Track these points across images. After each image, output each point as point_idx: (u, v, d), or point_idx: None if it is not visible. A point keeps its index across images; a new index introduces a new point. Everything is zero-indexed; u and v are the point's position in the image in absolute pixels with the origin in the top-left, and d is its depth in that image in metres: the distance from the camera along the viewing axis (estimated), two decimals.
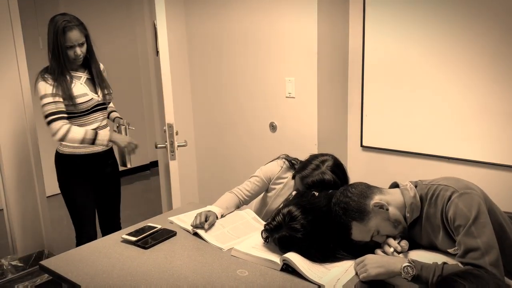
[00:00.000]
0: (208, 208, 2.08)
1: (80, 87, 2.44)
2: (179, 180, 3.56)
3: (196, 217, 2.01)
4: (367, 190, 1.66)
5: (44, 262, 1.78)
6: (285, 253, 1.68)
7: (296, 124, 3.02)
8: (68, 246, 2.24)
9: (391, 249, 1.64)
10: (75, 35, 2.32)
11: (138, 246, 1.88)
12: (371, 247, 1.69)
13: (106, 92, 2.55)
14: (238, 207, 2.21)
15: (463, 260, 1.48)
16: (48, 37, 2.35)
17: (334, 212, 1.66)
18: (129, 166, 2.60)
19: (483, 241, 1.44)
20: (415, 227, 1.67)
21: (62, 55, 2.33)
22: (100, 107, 2.53)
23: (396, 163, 2.99)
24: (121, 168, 2.72)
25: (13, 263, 3.00)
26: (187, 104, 3.60)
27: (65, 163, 2.53)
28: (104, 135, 2.46)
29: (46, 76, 2.37)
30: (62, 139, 2.37)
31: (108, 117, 2.72)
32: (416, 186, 1.68)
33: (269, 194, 2.24)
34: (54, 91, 2.35)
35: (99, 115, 2.54)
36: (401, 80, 2.85)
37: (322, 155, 2.03)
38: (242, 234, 1.96)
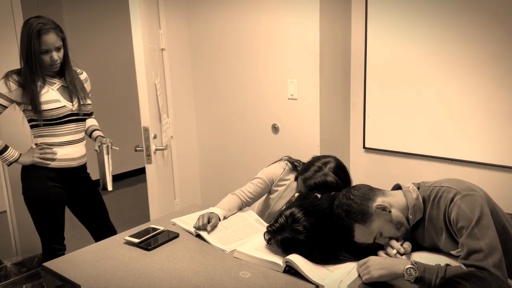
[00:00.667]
0: (211, 210, 2.08)
1: (52, 93, 2.26)
2: (180, 181, 3.58)
3: (198, 219, 2.01)
4: (369, 192, 1.66)
5: (46, 264, 1.78)
6: (287, 255, 1.68)
7: (299, 126, 3.02)
8: (70, 247, 2.24)
9: (394, 251, 1.64)
10: (51, 38, 2.15)
11: (141, 247, 1.88)
12: (373, 249, 1.69)
13: (82, 103, 2.34)
14: (240, 209, 2.21)
15: (466, 262, 1.47)
16: (21, 41, 2.18)
17: (337, 214, 1.66)
18: (109, 188, 2.39)
19: (486, 243, 1.44)
20: (417, 229, 1.67)
21: (35, 61, 2.15)
22: (74, 118, 2.33)
23: (398, 165, 2.98)
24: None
25: (16, 264, 3.01)
26: (189, 106, 3.60)
27: (32, 175, 2.33)
28: (11, 154, 2.27)
29: (13, 77, 2.21)
30: None
31: (90, 136, 2.55)
32: (418, 188, 1.68)
33: (271, 196, 2.24)
34: (5, 94, 2.19)
35: (72, 127, 2.33)
36: (404, 81, 2.84)
37: (325, 157, 2.03)
38: (244, 236, 1.96)
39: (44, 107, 2.22)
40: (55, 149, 2.31)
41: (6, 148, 2.26)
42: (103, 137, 2.48)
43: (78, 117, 2.35)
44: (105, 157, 2.34)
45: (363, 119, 3.08)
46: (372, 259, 1.56)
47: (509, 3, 2.39)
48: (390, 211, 1.61)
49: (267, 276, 1.63)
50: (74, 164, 2.39)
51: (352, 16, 3.02)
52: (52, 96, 2.25)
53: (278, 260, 1.68)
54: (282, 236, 1.72)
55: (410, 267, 1.46)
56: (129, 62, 3.06)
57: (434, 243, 1.65)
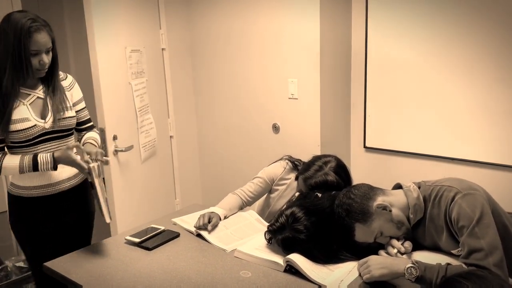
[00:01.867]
0: (211, 209, 2.09)
1: (22, 110, 1.84)
2: (181, 181, 3.58)
3: (199, 218, 2.01)
4: (370, 191, 1.66)
5: (47, 264, 1.78)
6: (288, 254, 1.68)
7: (299, 125, 3.02)
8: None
9: (395, 250, 1.64)
10: (43, 38, 1.78)
11: (142, 247, 1.89)
12: (374, 248, 1.69)
13: (60, 117, 1.92)
14: (241, 208, 2.21)
15: (466, 261, 1.47)
16: (3, 40, 1.76)
17: (337, 214, 1.66)
18: (107, 220, 1.86)
19: (487, 242, 1.44)
20: (418, 228, 1.67)
21: (26, 66, 1.77)
22: (51, 136, 1.92)
23: (399, 164, 2.98)
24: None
25: (17, 264, 3.01)
26: (190, 106, 3.60)
27: (19, 207, 1.98)
28: (45, 156, 1.84)
29: None
30: None
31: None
32: (419, 187, 1.68)
33: (272, 195, 2.24)
34: None
35: (50, 147, 1.92)
36: (404, 81, 2.84)
37: (325, 156, 2.03)
38: (245, 236, 1.96)
39: (11, 127, 1.82)
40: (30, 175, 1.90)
41: (36, 162, 1.84)
42: (90, 154, 1.88)
43: (58, 134, 1.93)
44: (95, 180, 1.82)
45: (363, 118, 3.07)
46: (372, 258, 1.56)
47: (508, 3, 2.39)
48: (390, 211, 1.61)
49: (267, 275, 1.63)
50: (58, 189, 1.98)
51: (352, 16, 3.01)
52: (21, 114, 1.84)
53: (279, 260, 1.68)
54: (283, 235, 1.72)
55: (411, 266, 1.46)
56: None
57: (435, 242, 1.65)
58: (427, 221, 1.63)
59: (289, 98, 3.03)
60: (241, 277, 1.63)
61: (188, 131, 3.61)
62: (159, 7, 3.25)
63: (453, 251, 1.58)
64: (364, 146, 3.12)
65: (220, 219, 2.05)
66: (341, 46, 3.01)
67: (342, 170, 1.98)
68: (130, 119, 2.88)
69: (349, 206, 1.63)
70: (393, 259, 1.57)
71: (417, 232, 1.68)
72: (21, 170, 1.82)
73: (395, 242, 1.66)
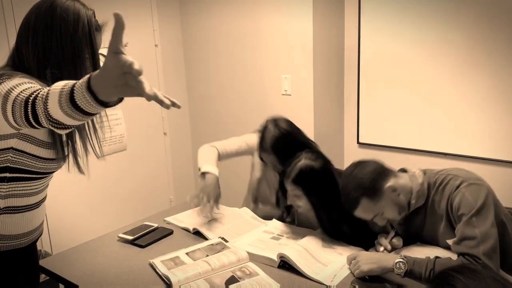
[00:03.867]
0: (205, 169, 1.99)
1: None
2: (175, 178, 3.57)
3: (202, 196, 1.95)
4: (383, 170, 1.63)
5: (41, 262, 1.77)
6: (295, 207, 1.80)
7: (293, 121, 3.01)
8: (64, 245, 2.23)
9: (381, 249, 1.65)
10: (100, 39, 1.38)
11: (135, 245, 1.88)
12: (367, 233, 1.72)
13: None
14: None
15: (457, 247, 1.48)
16: (62, 31, 1.26)
17: (345, 184, 1.64)
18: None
19: (481, 231, 1.44)
20: (418, 216, 1.66)
21: (95, 64, 1.33)
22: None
23: (392, 160, 2.95)
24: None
25: None
26: (183, 102, 3.59)
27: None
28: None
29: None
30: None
31: None
32: (424, 173, 1.67)
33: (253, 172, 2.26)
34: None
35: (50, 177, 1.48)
36: (397, 77, 2.85)
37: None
38: (242, 232, 1.96)
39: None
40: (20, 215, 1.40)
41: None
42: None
43: None
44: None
45: (357, 114, 3.08)
46: (361, 254, 1.57)
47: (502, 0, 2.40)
48: (399, 195, 1.60)
49: (263, 271, 1.63)
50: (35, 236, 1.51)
51: (345, 12, 3.01)
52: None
53: (273, 255, 1.68)
54: (300, 163, 1.76)
55: (400, 261, 1.46)
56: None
57: (432, 232, 1.64)
58: (428, 208, 1.62)
59: (283, 94, 3.02)
60: (236, 273, 1.62)
61: (181, 128, 3.60)
62: (151, 4, 3.23)
63: (449, 241, 1.58)
64: (358, 142, 3.13)
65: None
66: (334, 42, 3.01)
67: (318, 155, 1.87)
68: None
69: (361, 180, 1.59)
70: (382, 255, 1.58)
71: (415, 220, 1.67)
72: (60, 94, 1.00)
73: (382, 240, 1.66)
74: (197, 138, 3.64)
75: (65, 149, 1.37)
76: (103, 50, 1.25)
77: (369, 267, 1.50)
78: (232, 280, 1.55)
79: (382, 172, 1.61)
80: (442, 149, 2.76)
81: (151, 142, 3.38)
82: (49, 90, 0.99)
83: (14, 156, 1.26)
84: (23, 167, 1.30)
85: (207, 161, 2.06)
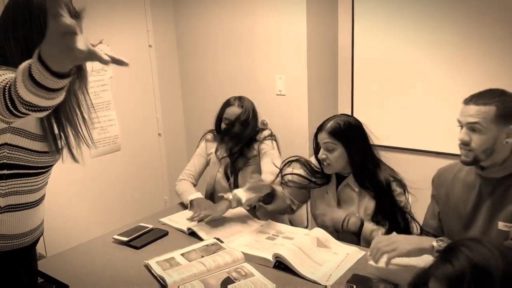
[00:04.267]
0: (196, 196, 2.23)
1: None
2: (170, 179, 3.56)
3: (197, 210, 2.09)
4: None
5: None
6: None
7: (287, 122, 3.02)
8: (59, 247, 2.22)
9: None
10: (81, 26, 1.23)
11: (130, 246, 1.87)
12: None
13: None
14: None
15: None
16: (36, 19, 1.24)
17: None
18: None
19: None
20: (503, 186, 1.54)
21: None
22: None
23: (386, 159, 2.99)
24: None
25: None
26: (177, 103, 3.58)
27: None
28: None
29: None
30: None
31: None
32: None
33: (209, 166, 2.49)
34: None
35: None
36: (391, 76, 2.86)
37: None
38: (236, 232, 1.96)
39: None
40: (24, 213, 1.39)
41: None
42: None
43: None
44: None
45: (351, 114, 3.08)
46: (396, 236, 1.54)
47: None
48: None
49: (258, 271, 1.63)
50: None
51: (339, 12, 3.01)
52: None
53: (268, 256, 1.68)
54: (337, 119, 1.93)
55: (440, 239, 1.42)
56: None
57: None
58: None
59: (277, 95, 3.03)
60: (232, 274, 1.62)
61: (176, 129, 3.60)
62: (145, 5, 3.23)
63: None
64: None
65: None
66: (328, 42, 3.01)
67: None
68: None
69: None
70: (416, 237, 1.56)
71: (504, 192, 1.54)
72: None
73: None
74: (192, 138, 3.63)
75: (59, 142, 1.36)
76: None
77: (408, 248, 1.44)
78: (228, 281, 1.55)
79: None
80: (437, 148, 2.77)
81: (146, 143, 3.37)
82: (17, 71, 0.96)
83: (10, 152, 1.26)
84: (20, 163, 1.30)
85: (189, 193, 2.29)
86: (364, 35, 2.90)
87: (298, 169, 2.10)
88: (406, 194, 1.88)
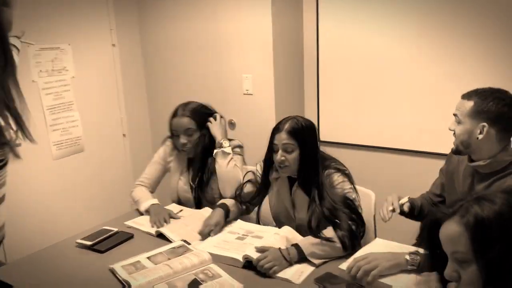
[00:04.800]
0: (152, 202, 2.16)
1: None
2: (134, 179, 3.48)
3: (155, 220, 2.01)
4: None
5: None
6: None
7: (255, 121, 3.01)
8: (19, 253, 2.13)
9: (390, 207, 1.75)
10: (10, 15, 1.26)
11: (94, 250, 1.82)
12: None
13: None
14: None
15: None
16: None
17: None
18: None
19: None
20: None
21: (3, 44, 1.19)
22: None
23: (353, 157, 3.02)
24: None
25: None
26: (142, 103, 3.52)
27: None
28: None
29: None
30: None
31: None
32: None
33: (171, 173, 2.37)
34: None
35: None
36: (356, 74, 2.89)
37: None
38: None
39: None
40: None
41: None
42: None
43: None
44: None
45: (317, 112, 3.10)
46: (373, 254, 1.53)
47: None
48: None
49: (227, 272, 1.61)
50: None
51: (304, 10, 3.02)
52: None
53: (238, 256, 1.66)
54: (295, 119, 1.85)
55: (413, 252, 1.48)
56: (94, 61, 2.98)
57: None
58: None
59: (244, 94, 3.01)
60: (199, 275, 1.60)
61: (141, 130, 3.53)
62: (108, 3, 3.15)
63: None
64: (319, 140, 3.15)
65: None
66: (294, 41, 3.02)
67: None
68: (34, 118, 2.76)
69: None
70: (390, 253, 1.54)
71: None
72: None
73: (395, 201, 1.77)
74: (157, 139, 3.56)
75: (6, 133, 1.25)
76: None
77: (388, 265, 1.48)
78: (195, 283, 1.53)
79: None
80: (402, 146, 2.82)
81: (110, 144, 3.30)
82: None
83: None
84: None
85: (144, 199, 2.21)
86: (329, 33, 2.92)
87: (249, 187, 2.08)
88: (353, 185, 1.84)
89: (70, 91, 2.95)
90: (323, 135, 3.11)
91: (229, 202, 2.04)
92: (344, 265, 1.56)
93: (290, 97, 3.05)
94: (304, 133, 1.83)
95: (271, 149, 1.89)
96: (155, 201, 2.19)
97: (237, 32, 2.94)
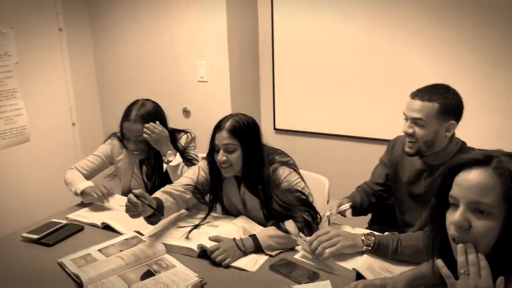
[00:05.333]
0: (88, 185, 2.09)
1: None
2: None
3: (95, 190, 2.02)
4: None
5: None
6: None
7: (210, 109, 2.97)
8: None
9: (328, 213, 1.74)
10: None
11: (42, 244, 1.74)
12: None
13: None
14: None
15: None
16: None
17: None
18: None
19: None
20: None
21: None
22: None
23: (308, 145, 3.05)
24: None
25: None
26: (92, 90, 3.39)
27: None
28: None
29: None
30: None
31: None
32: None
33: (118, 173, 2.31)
34: None
35: None
36: (310, 64, 2.90)
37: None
38: (160, 224, 1.88)
39: None
40: None
41: None
42: None
43: None
44: None
45: (272, 100, 3.10)
46: (334, 230, 1.57)
47: None
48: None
49: (182, 262, 1.58)
50: None
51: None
52: None
53: (192, 246, 1.64)
54: (237, 117, 1.80)
55: (368, 233, 1.53)
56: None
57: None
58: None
59: (199, 81, 2.96)
60: (152, 266, 1.57)
61: (92, 118, 3.41)
62: None
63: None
64: (274, 128, 3.16)
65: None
66: (248, 29, 2.99)
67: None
68: None
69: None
70: (350, 233, 1.58)
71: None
72: None
73: (334, 208, 1.77)
74: (108, 128, 3.45)
75: None
76: None
77: (348, 244, 1.52)
78: (148, 274, 1.49)
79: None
80: (354, 133, 2.86)
81: (58, 133, 3.17)
82: None
83: None
84: None
85: (80, 181, 2.13)
86: (284, 21, 2.91)
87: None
88: (299, 174, 1.82)
89: (14, 77, 2.79)
90: (279, 123, 3.12)
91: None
92: (299, 256, 1.59)
93: (245, 84, 3.03)
94: (246, 132, 1.77)
95: (213, 149, 1.81)
96: (90, 183, 2.11)
97: (191, 18, 2.88)
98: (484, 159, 0.96)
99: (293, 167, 1.83)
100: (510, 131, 2.39)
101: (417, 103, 1.65)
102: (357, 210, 1.88)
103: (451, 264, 0.96)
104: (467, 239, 0.94)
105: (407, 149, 1.72)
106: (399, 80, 2.64)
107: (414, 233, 1.54)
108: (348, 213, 1.81)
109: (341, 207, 1.81)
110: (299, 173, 1.82)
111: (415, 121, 1.66)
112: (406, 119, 1.70)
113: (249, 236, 1.66)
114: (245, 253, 1.60)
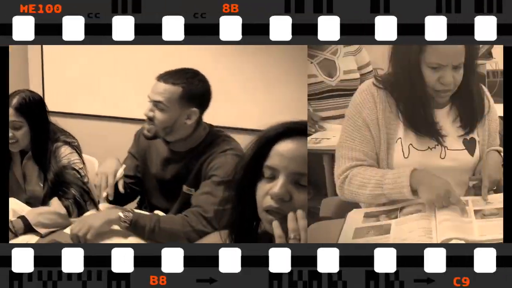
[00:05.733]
0: None
1: None
2: None
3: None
4: None
5: None
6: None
7: None
8: None
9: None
10: None
11: None
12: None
13: None
14: None
15: None
16: None
17: None
18: None
19: None
20: None
21: None
22: None
23: (78, 127, 2.86)
24: None
25: None
26: None
27: None
28: None
29: None
30: None
31: None
32: None
33: None
34: None
35: None
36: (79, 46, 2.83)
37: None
38: None
39: None
40: None
41: None
42: None
43: None
44: None
45: (42, 82, 3.01)
46: (80, 218, 1.57)
47: None
48: None
49: None
50: None
51: None
52: None
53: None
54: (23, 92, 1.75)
55: (126, 211, 1.51)
56: None
57: None
58: None
59: None
60: None
61: None
62: None
63: None
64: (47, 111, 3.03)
65: None
66: None
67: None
68: None
69: None
70: (103, 211, 1.64)
71: None
72: None
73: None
74: None
75: None
76: None
77: (99, 223, 1.48)
78: None
79: None
80: (119, 114, 2.92)
81: None
82: None
83: None
84: None
85: None
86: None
87: None
88: (80, 156, 1.86)
89: None
90: (50, 106, 3.04)
91: None
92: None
93: None
94: (31, 109, 1.77)
95: None
96: None
97: None
98: (304, 128, 0.90)
99: (76, 148, 1.88)
100: None
101: (161, 85, 1.58)
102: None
103: (249, 234, 0.97)
104: (286, 210, 0.85)
105: (145, 132, 1.66)
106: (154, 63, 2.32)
107: (176, 216, 1.55)
108: (120, 185, 1.73)
109: (117, 175, 1.72)
110: (80, 155, 1.88)
111: (156, 104, 1.59)
112: (150, 102, 1.63)
113: (18, 217, 1.61)
114: (15, 235, 1.55)
